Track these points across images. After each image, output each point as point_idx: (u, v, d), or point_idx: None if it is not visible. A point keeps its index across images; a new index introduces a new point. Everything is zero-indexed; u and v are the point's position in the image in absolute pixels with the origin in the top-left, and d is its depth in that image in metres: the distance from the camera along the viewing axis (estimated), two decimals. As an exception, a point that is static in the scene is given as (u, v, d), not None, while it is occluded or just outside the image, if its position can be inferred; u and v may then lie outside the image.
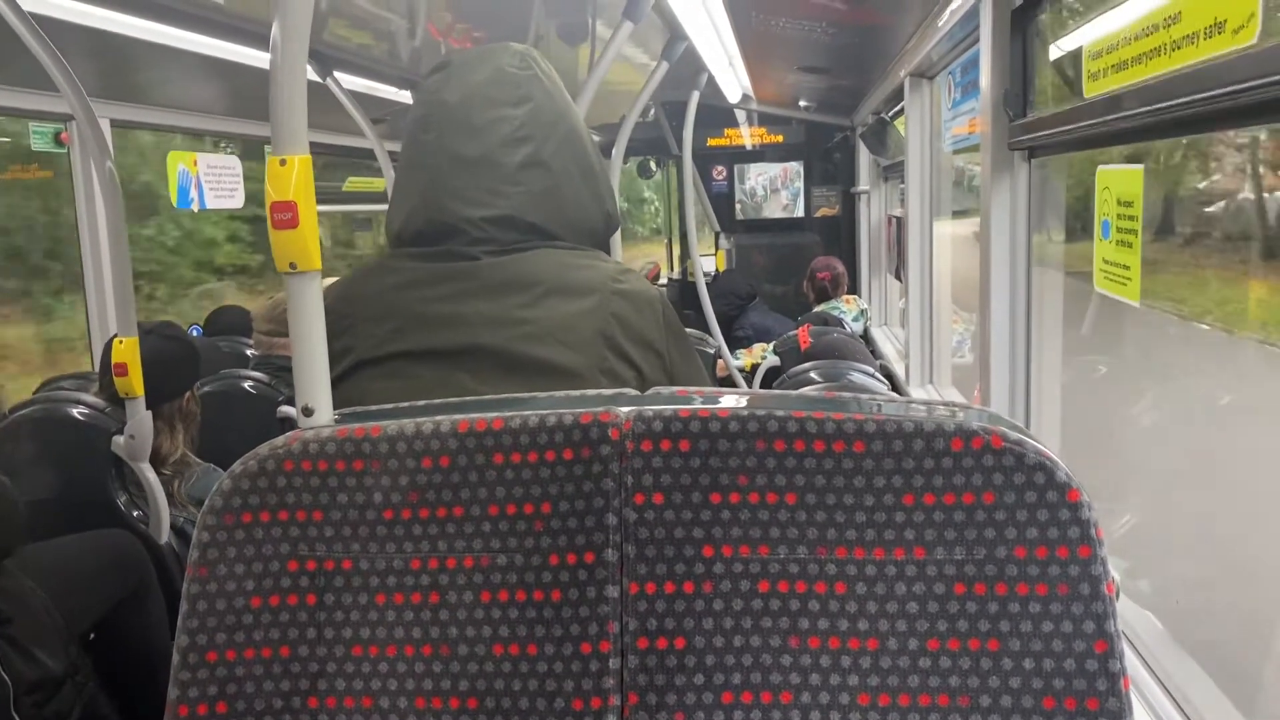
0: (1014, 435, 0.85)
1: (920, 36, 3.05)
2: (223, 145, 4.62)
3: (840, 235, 6.17)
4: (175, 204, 4.05)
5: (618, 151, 2.83)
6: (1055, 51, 1.91)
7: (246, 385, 3.04)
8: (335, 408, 0.99)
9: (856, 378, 3.30)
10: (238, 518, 0.92)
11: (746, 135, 6.28)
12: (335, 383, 1.17)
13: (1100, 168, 1.66)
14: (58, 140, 3.35)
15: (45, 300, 5.80)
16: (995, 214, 2.08)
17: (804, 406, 0.89)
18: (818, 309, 4.87)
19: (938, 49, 2.90)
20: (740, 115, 6.17)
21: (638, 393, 1.04)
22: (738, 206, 6.38)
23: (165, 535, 2.32)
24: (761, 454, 0.87)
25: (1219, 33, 1.14)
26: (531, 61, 1.29)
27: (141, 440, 2.20)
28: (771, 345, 4.37)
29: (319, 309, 0.96)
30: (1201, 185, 1.85)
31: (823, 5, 3.00)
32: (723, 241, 6.38)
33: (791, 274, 5.92)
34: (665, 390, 1.05)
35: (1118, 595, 0.88)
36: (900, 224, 4.06)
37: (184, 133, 4.14)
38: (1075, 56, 1.70)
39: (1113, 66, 1.51)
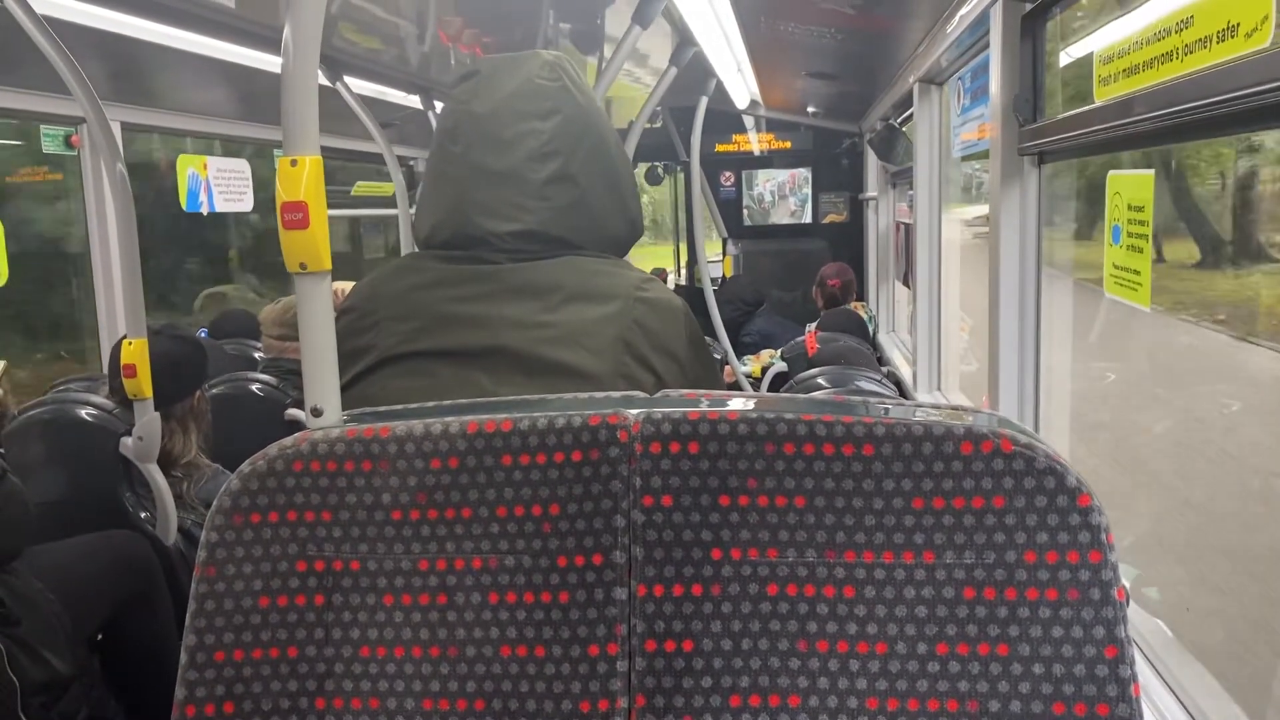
0: (1023, 439, 0.85)
1: (929, 42, 3.05)
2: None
3: (848, 242, 6.16)
4: (185, 207, 4.07)
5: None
6: (1065, 56, 1.91)
7: (254, 388, 3.05)
8: (354, 404, 0.99)
9: (864, 384, 3.30)
10: (246, 518, 0.92)
11: (754, 141, 6.27)
12: (356, 379, 1.17)
13: (1111, 173, 1.65)
14: (68, 143, 3.36)
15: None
16: (1005, 219, 2.07)
17: (813, 409, 0.88)
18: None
19: (947, 55, 2.90)
20: (748, 121, 6.16)
21: (647, 395, 1.04)
22: (745, 212, 6.37)
23: (173, 537, 2.32)
24: (770, 456, 0.87)
25: (1232, 36, 1.14)
26: (561, 71, 1.28)
27: (150, 441, 2.20)
28: (779, 351, 4.36)
29: (329, 309, 0.95)
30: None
31: (831, 11, 3.00)
32: (730, 247, 6.38)
33: (799, 280, 5.91)
34: (674, 393, 1.04)
35: (1128, 601, 0.87)
36: (908, 230, 4.05)
37: (195, 136, 4.15)
38: (1086, 61, 1.69)
39: (1124, 71, 1.51)
